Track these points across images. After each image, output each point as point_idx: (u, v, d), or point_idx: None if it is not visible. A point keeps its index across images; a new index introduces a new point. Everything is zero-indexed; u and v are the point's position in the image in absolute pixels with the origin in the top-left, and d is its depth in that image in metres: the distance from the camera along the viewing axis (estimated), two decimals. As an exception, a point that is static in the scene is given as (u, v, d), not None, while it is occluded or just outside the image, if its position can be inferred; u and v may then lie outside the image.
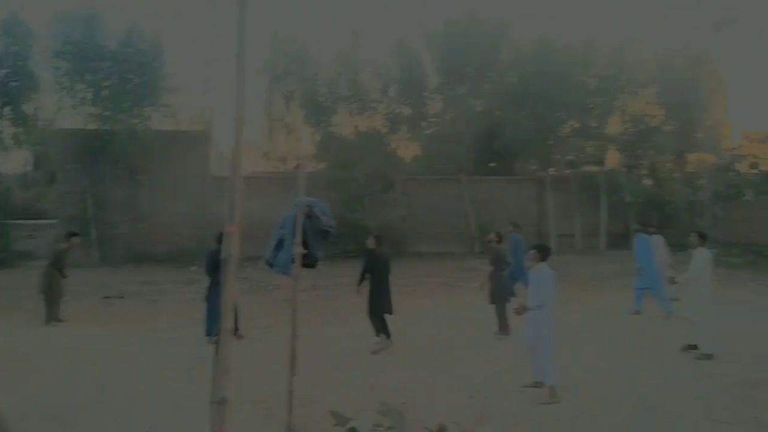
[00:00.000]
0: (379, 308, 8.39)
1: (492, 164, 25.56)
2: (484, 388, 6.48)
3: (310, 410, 5.50)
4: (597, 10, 45.14)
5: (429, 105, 23.79)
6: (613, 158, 24.50)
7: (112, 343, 8.97)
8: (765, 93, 51.47)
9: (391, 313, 8.47)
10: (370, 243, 8.64)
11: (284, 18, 57.53)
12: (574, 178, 23.46)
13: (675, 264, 11.14)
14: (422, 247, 20.85)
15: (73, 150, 19.73)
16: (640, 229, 11.76)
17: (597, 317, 10.55)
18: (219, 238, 7.79)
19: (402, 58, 22.71)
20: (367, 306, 8.47)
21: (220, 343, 3.54)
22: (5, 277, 16.32)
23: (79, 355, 8.17)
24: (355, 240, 16.94)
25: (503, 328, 9.00)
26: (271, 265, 5.58)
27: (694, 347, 7.82)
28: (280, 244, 5.47)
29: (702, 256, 7.84)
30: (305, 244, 5.28)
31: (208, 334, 8.33)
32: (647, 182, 24.72)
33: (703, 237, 8.15)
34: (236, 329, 8.13)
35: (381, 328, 8.39)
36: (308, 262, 5.45)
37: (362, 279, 8.49)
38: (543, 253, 6.53)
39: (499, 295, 9.09)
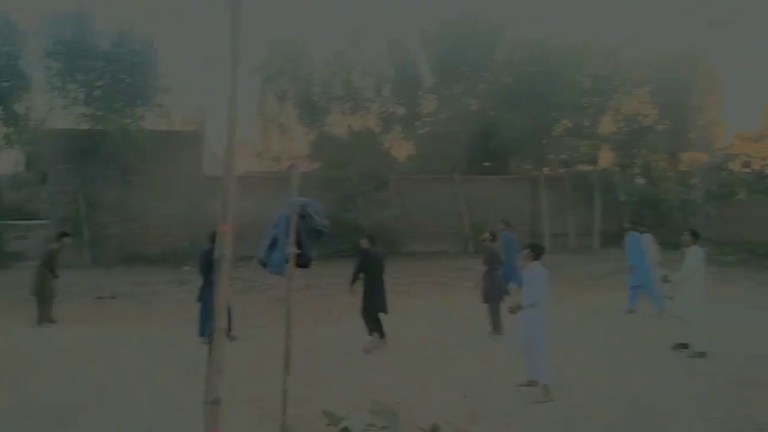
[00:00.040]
0: (373, 308, 8.39)
1: (486, 164, 25.53)
2: (477, 388, 6.48)
3: (304, 410, 5.49)
4: (591, 11, 45.44)
5: (423, 104, 23.71)
6: (606, 157, 24.54)
7: (111, 343, 8.92)
8: (757, 92, 51.83)
9: (386, 312, 8.48)
10: (364, 243, 8.64)
11: (278, 18, 57.40)
12: (568, 178, 23.48)
13: (665, 262, 11.18)
14: (416, 247, 20.82)
15: (64, 150, 19.58)
16: (631, 227, 11.81)
17: (591, 316, 10.57)
18: (212, 238, 7.77)
19: (396, 58, 22.62)
20: (361, 305, 8.48)
21: (214, 344, 3.53)
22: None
23: (79, 356, 8.13)
24: (348, 239, 16.92)
25: (497, 327, 9.01)
26: (264, 264, 5.58)
27: (685, 346, 7.87)
28: (273, 244, 5.47)
29: (695, 254, 7.88)
30: (299, 244, 5.29)
31: (202, 334, 8.30)
32: (641, 181, 24.81)
33: (696, 235, 8.19)
34: (229, 330, 8.12)
35: (375, 327, 8.40)
36: (302, 261, 5.45)
37: (355, 279, 8.49)
38: (536, 252, 6.55)
39: (493, 294, 9.09)
